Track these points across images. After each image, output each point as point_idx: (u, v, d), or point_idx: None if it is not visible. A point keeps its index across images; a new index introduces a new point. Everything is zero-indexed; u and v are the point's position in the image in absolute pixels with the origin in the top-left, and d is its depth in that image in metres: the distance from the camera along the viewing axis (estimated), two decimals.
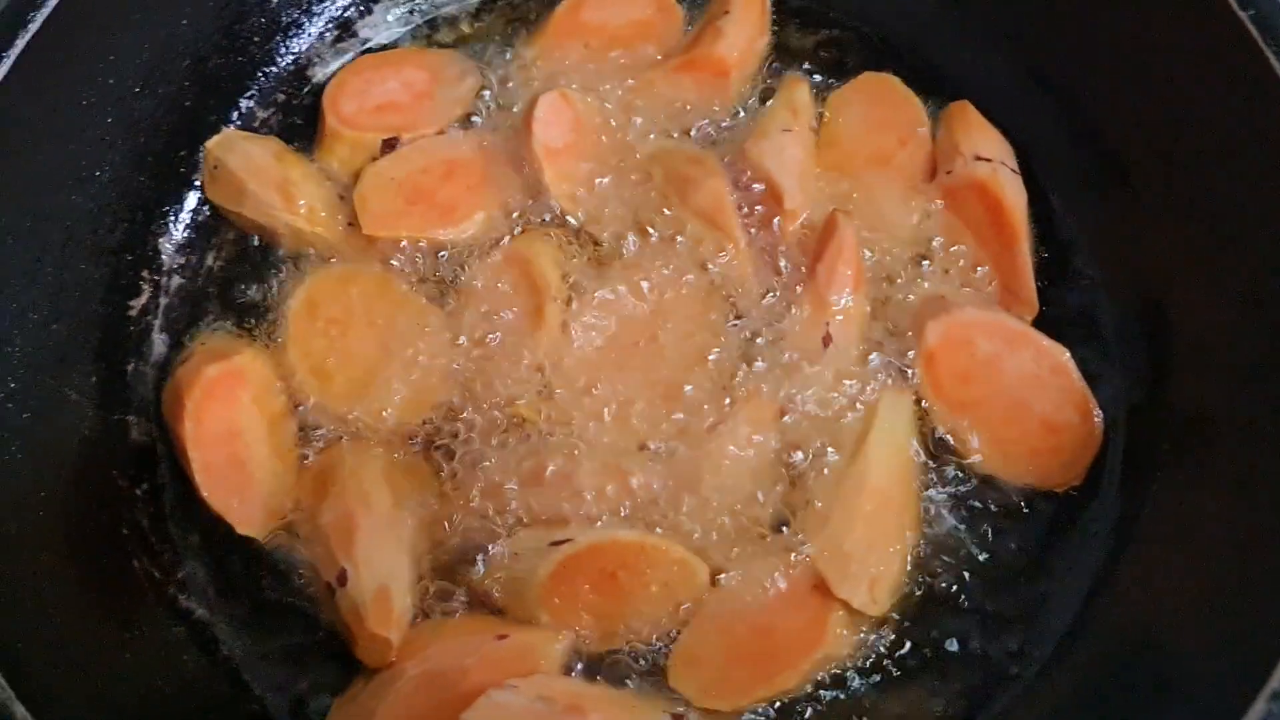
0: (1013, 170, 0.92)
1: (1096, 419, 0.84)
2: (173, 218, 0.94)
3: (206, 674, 0.80)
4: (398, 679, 0.76)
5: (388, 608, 0.78)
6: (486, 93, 0.99)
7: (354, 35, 1.03)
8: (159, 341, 0.91)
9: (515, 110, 0.98)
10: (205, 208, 0.96)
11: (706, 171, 0.92)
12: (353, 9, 1.03)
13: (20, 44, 0.77)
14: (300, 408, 0.87)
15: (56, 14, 0.78)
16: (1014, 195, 0.90)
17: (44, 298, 0.82)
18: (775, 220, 0.91)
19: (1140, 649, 0.72)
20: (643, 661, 0.79)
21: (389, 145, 0.95)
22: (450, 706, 0.74)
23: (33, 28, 0.77)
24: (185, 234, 0.95)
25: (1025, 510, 0.83)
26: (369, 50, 1.03)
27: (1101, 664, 0.75)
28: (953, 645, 0.80)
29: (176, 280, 0.93)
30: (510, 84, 1.00)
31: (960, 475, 0.84)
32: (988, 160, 0.90)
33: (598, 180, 0.94)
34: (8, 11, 0.78)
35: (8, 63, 0.77)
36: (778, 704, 0.77)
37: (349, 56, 1.02)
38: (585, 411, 0.86)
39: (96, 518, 0.81)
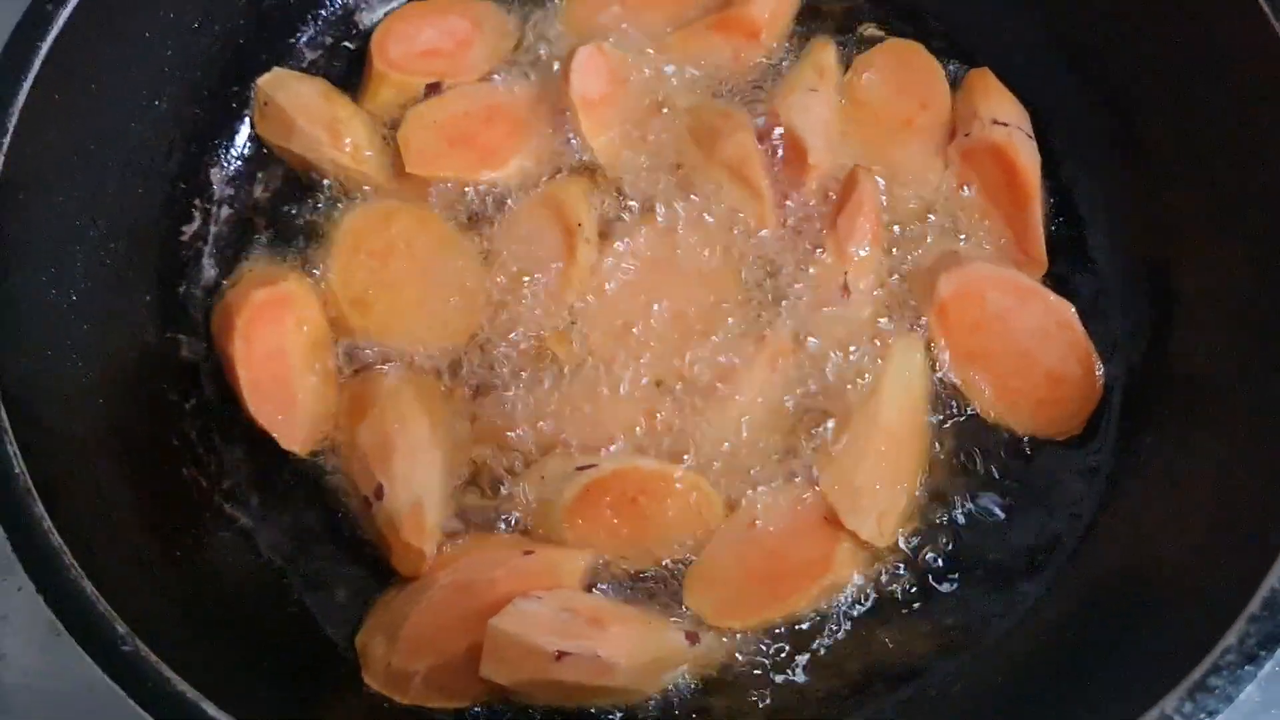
0: (1028, 135, 0.96)
1: (1098, 372, 0.88)
2: (224, 150, 0.98)
3: (251, 576, 0.85)
4: (430, 587, 0.81)
5: (422, 521, 0.83)
6: (526, 43, 1.03)
7: None
8: (208, 266, 0.95)
9: (552, 61, 1.02)
10: (255, 142, 1.00)
11: (735, 125, 0.96)
12: None
13: None
14: (341, 334, 0.92)
15: None
16: (1028, 158, 0.94)
17: (103, 217, 0.86)
18: (799, 176, 0.96)
19: (1130, 580, 0.77)
20: (660, 583, 0.84)
21: (432, 89, 0.99)
22: (478, 613, 0.79)
23: None
24: (235, 166, 0.99)
25: (1027, 455, 0.88)
26: None
27: (1092, 593, 0.80)
28: (955, 576, 0.84)
29: (226, 209, 0.97)
30: (549, 36, 1.04)
31: (967, 420, 0.89)
32: (1004, 124, 0.94)
33: (630, 130, 0.99)
34: None
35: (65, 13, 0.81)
36: (786, 627, 0.82)
37: (395, 3, 1.06)
38: (612, 346, 0.91)
39: (149, 427, 0.85)
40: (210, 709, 0.64)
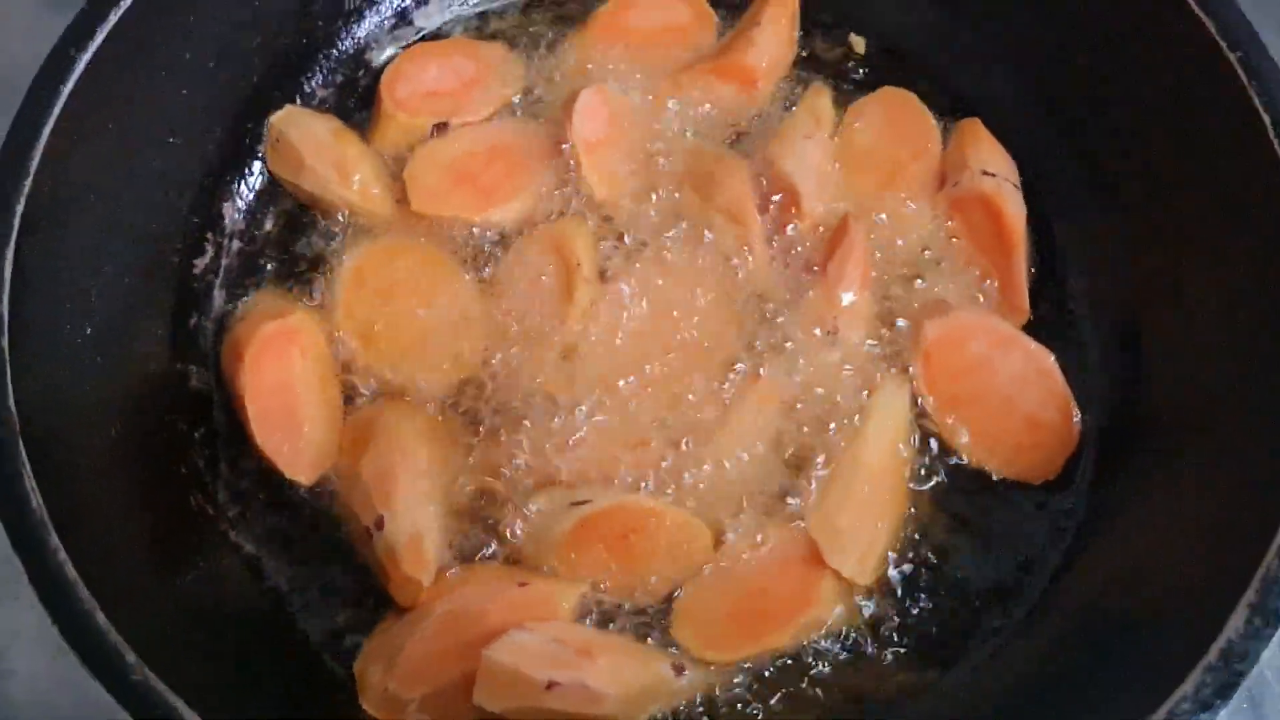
0: (1015, 186, 0.99)
1: (1075, 419, 0.91)
2: (237, 184, 1.02)
3: (254, 603, 0.88)
4: (426, 616, 0.84)
5: (420, 552, 0.86)
6: (531, 85, 1.07)
7: (410, 23, 1.11)
8: (219, 298, 0.98)
9: (555, 103, 1.05)
10: (267, 177, 1.03)
11: (730, 171, 0.99)
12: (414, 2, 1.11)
13: (112, 20, 0.85)
14: (346, 367, 0.95)
15: None
16: (1014, 209, 0.97)
17: (120, 251, 0.89)
18: (792, 221, 0.99)
19: (1095, 625, 0.80)
20: (649, 616, 0.87)
21: (439, 129, 1.03)
22: (473, 643, 0.82)
23: (124, 5, 0.85)
24: (248, 200, 1.02)
25: (1004, 498, 0.91)
26: (423, 38, 1.10)
27: (1060, 634, 0.83)
28: (931, 613, 0.87)
29: (237, 243, 1.01)
30: (552, 78, 1.07)
31: (947, 464, 0.92)
32: (993, 175, 0.98)
33: (629, 172, 1.02)
34: None
35: (100, 37, 0.84)
36: (769, 660, 0.85)
37: (404, 44, 1.09)
38: (607, 384, 0.94)
39: (158, 457, 0.88)
40: None
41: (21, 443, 0.73)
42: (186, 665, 0.72)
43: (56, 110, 0.82)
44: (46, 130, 0.81)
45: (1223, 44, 0.84)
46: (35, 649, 0.95)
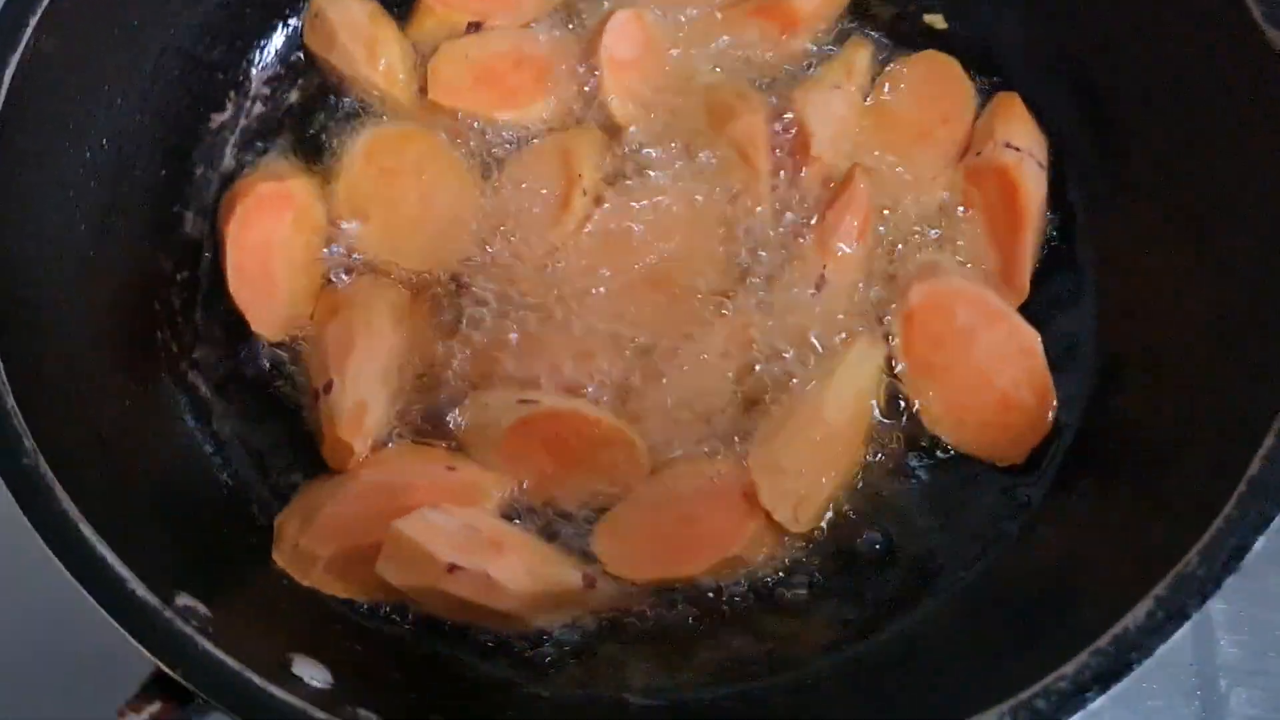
0: (1040, 165, 0.94)
1: (1051, 406, 0.87)
2: (267, 50, 1.04)
3: (195, 441, 0.89)
4: (350, 481, 0.85)
5: (359, 420, 0.86)
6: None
7: None
8: (229, 155, 1.00)
9: (593, 19, 1.04)
10: (300, 50, 1.05)
11: (749, 107, 0.97)
12: None
13: None
14: (335, 240, 0.96)
15: None
16: (1032, 187, 0.93)
17: (134, 91, 0.91)
18: (802, 167, 0.96)
19: (1016, 606, 0.76)
20: (572, 525, 0.86)
21: (473, 27, 1.03)
22: (388, 515, 0.81)
23: None
24: (275, 69, 1.04)
25: (962, 474, 0.87)
26: None
27: (979, 611, 0.79)
28: (861, 576, 0.84)
29: (258, 106, 1.03)
30: None
31: (909, 431, 0.88)
32: (1016, 149, 0.94)
33: (651, 97, 1.01)
34: None
35: None
36: (684, 589, 0.83)
37: None
38: (581, 295, 0.93)
39: (137, 288, 0.91)
40: (112, 559, 0.66)
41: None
42: (104, 490, 0.73)
43: None
44: None
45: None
46: None
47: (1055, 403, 0.87)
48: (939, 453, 0.88)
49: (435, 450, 0.88)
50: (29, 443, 0.68)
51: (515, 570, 0.81)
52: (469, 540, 0.81)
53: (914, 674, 0.77)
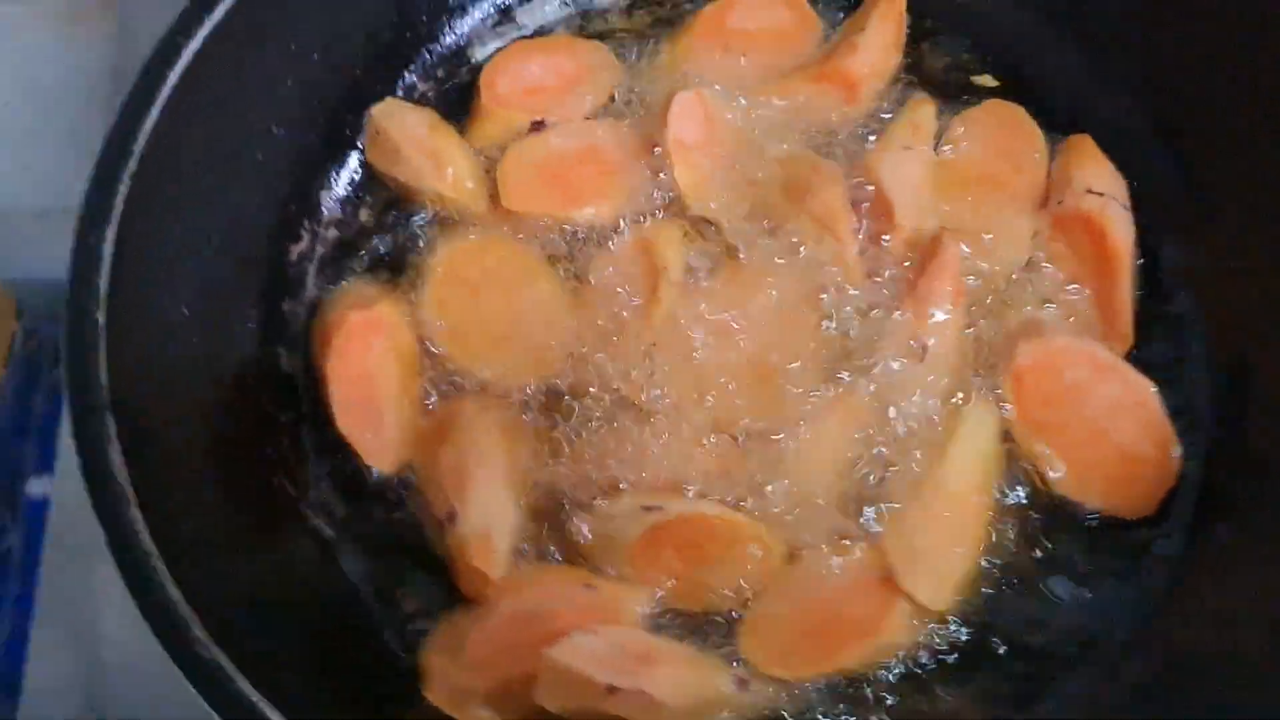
0: (1123, 206, 0.95)
1: (1175, 454, 0.87)
2: (335, 174, 1.03)
3: (326, 587, 0.89)
4: (494, 611, 0.85)
5: (489, 546, 0.86)
6: (629, 86, 1.06)
7: (512, 21, 1.11)
8: (311, 284, 1.00)
9: (653, 104, 1.04)
10: (364, 168, 1.04)
11: (826, 179, 0.97)
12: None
13: (220, 10, 0.87)
14: (430, 359, 0.96)
15: None
16: (1121, 231, 0.93)
17: (218, 236, 0.91)
18: (885, 233, 0.96)
19: (1186, 671, 0.77)
20: (716, 627, 0.86)
21: (536, 126, 1.03)
22: (537, 641, 0.81)
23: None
24: (344, 190, 1.04)
25: (1094, 533, 0.87)
26: (525, 36, 1.11)
27: (1145, 681, 0.79)
28: (1008, 649, 0.84)
29: (333, 232, 1.02)
30: (651, 79, 1.07)
31: (1035, 493, 0.89)
32: (1099, 194, 0.94)
33: (722, 177, 1.01)
34: None
35: (208, 26, 0.86)
36: (836, 681, 0.83)
37: (506, 40, 1.10)
38: (687, 390, 0.93)
39: (244, 437, 0.90)
40: (273, 714, 0.68)
41: (111, 415, 0.75)
42: (254, 642, 0.73)
43: (162, 98, 0.83)
44: (151, 119, 0.83)
45: None
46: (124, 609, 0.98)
47: (1178, 450, 0.87)
48: (1065, 512, 0.88)
49: (569, 570, 0.88)
50: (198, 631, 0.69)
51: (670, 683, 0.81)
52: (622, 659, 0.81)
53: None
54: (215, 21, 0.87)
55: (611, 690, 0.79)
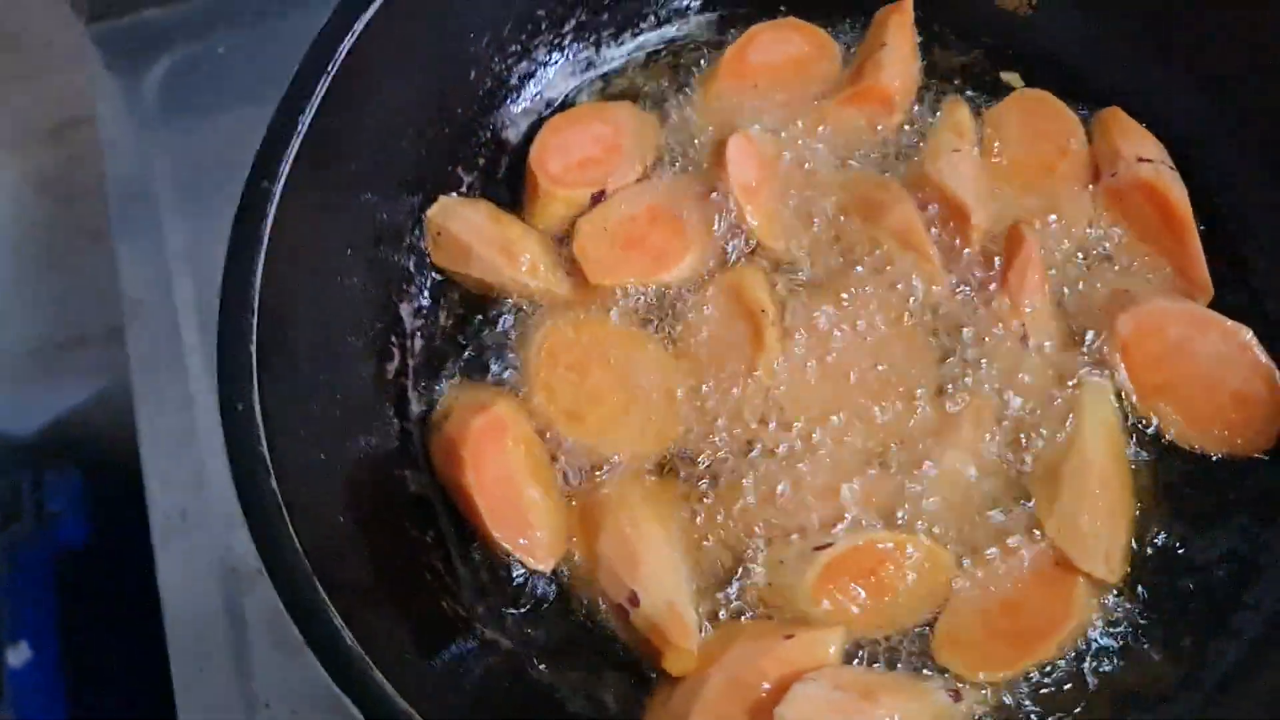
0: (1170, 167, 1.01)
1: None
2: (409, 285, 1.02)
3: (523, 696, 0.88)
4: (704, 684, 0.85)
5: (681, 620, 0.87)
6: (671, 140, 1.07)
7: (539, 97, 1.11)
8: (414, 399, 0.99)
9: (700, 153, 1.06)
10: (433, 271, 1.03)
11: (894, 196, 1.00)
12: (534, 69, 1.11)
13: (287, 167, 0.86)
14: (555, 448, 0.95)
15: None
16: (1177, 191, 0.99)
17: (327, 371, 0.90)
18: (958, 236, 1.00)
19: None
20: (909, 646, 0.89)
21: (598, 198, 1.03)
22: (757, 704, 0.83)
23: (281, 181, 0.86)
24: (421, 299, 1.02)
25: (1225, 477, 0.93)
26: (551, 110, 1.11)
27: None
28: (1182, 601, 0.89)
29: (419, 341, 1.01)
30: (689, 129, 1.08)
31: (1162, 450, 0.94)
32: (1149, 161, 0.99)
33: (789, 211, 1.03)
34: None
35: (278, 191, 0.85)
36: (1042, 673, 0.87)
37: (534, 117, 1.10)
38: (816, 424, 0.95)
39: (403, 567, 0.89)
40: None
41: (318, 582, 0.74)
42: None
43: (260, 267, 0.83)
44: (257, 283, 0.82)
45: None
46: None
47: None
48: (1195, 463, 0.93)
49: (760, 623, 0.89)
50: None
51: (896, 712, 0.83)
52: (847, 700, 0.83)
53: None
54: (285, 180, 0.85)
55: None
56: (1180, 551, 0.91)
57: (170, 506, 1.09)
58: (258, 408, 0.78)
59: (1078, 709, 0.86)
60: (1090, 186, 1.03)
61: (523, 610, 0.92)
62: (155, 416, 1.12)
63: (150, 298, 1.18)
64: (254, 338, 0.80)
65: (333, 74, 0.88)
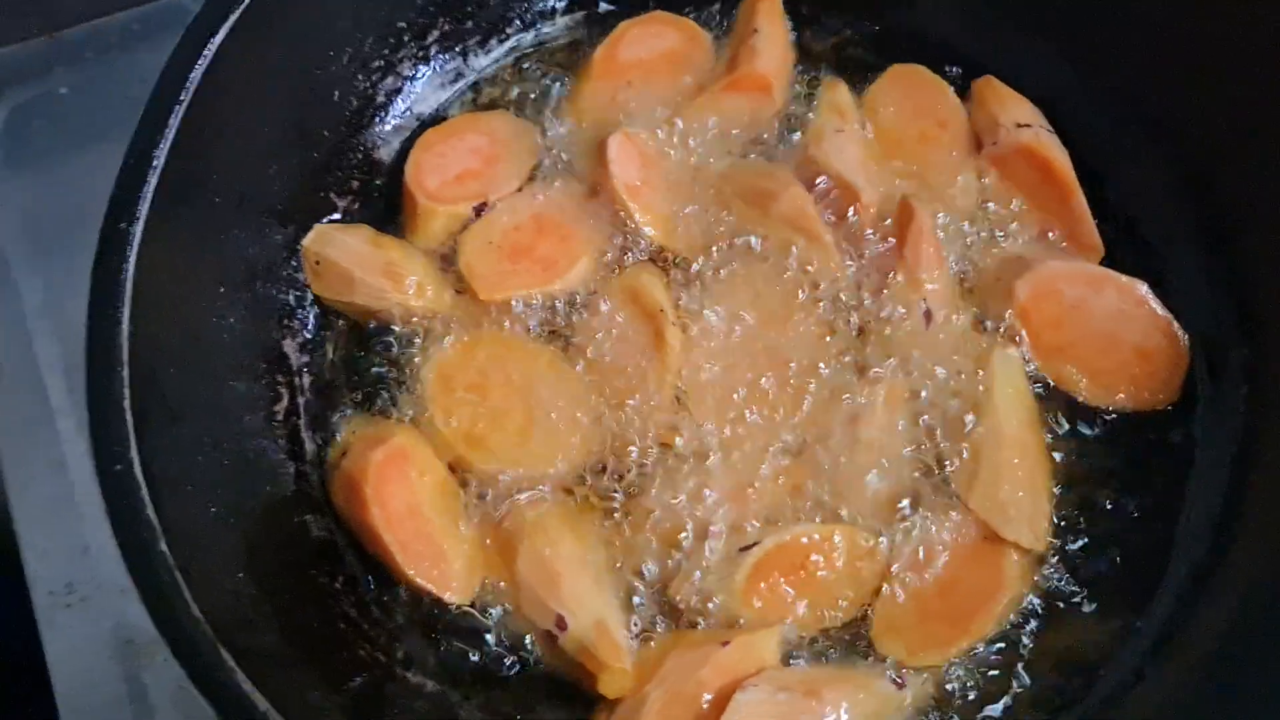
0: (1050, 131, 1.01)
1: (1182, 339, 0.94)
2: (290, 319, 0.96)
3: None
4: (644, 703, 0.81)
5: (612, 640, 0.83)
6: (548, 145, 1.04)
7: (408, 111, 1.06)
8: (307, 439, 0.94)
9: (580, 157, 1.03)
10: (314, 304, 0.98)
11: (782, 182, 0.99)
12: (401, 84, 1.06)
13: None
14: (462, 474, 0.91)
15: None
16: (1059, 152, 0.99)
17: (210, 419, 0.85)
18: (849, 216, 0.99)
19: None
20: (847, 637, 0.87)
21: (479, 210, 0.99)
22: (701, 717, 0.80)
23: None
24: (304, 333, 0.97)
25: (1136, 433, 0.93)
26: (423, 124, 1.06)
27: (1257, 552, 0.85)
28: (1107, 562, 0.89)
29: (307, 378, 0.96)
30: (566, 132, 1.05)
31: (1069, 411, 0.94)
32: (1028, 126, 1.00)
33: (677, 206, 1.01)
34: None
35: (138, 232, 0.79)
36: (981, 649, 0.86)
37: (406, 134, 1.06)
38: (725, 423, 0.93)
39: (314, 618, 0.84)
40: None
41: (231, 657, 0.69)
42: None
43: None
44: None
45: None
46: None
47: (1184, 335, 0.94)
48: (1104, 422, 0.94)
49: (691, 634, 0.86)
50: None
51: (842, 707, 0.81)
52: (790, 702, 0.81)
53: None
54: (144, 221, 0.79)
55: None
56: (1104, 511, 0.91)
57: (53, 580, 1.02)
58: (138, 468, 0.72)
59: (1020, 682, 0.85)
60: (973, 156, 1.03)
61: (445, 649, 0.87)
62: (26, 486, 1.04)
63: (9, 360, 1.09)
64: (126, 392, 0.74)
65: (186, 104, 0.83)
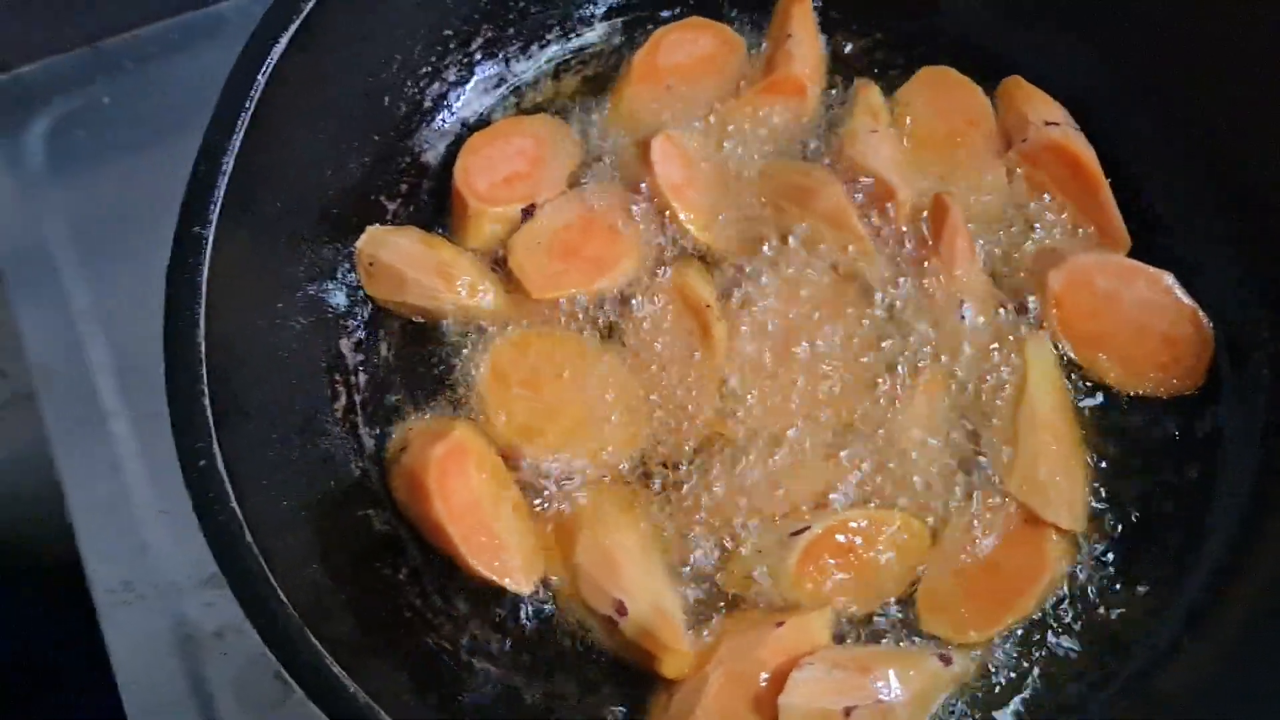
0: (1076, 129, 1.05)
1: (1207, 326, 0.97)
2: (345, 320, 0.99)
3: None
4: (704, 683, 0.85)
5: (671, 623, 0.86)
6: (591, 147, 1.07)
7: (451, 115, 1.09)
8: (366, 436, 0.96)
9: (623, 159, 1.06)
10: (367, 303, 1.01)
11: (820, 180, 1.02)
12: (446, 89, 1.09)
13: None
14: (517, 468, 0.94)
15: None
16: (1086, 149, 1.03)
17: (277, 417, 0.88)
18: (885, 214, 1.02)
19: None
20: (898, 618, 0.90)
21: (528, 212, 1.02)
22: (759, 695, 0.83)
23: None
24: (359, 333, 1.00)
25: (1165, 416, 0.97)
26: (467, 129, 1.09)
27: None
28: (1141, 542, 0.93)
29: (363, 376, 0.99)
30: (608, 135, 1.08)
31: (1106, 397, 0.97)
32: (1056, 124, 1.03)
33: (719, 205, 1.04)
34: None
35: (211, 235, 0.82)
36: (1023, 628, 0.89)
37: (451, 138, 1.08)
38: (771, 412, 0.96)
39: (383, 609, 0.87)
40: None
41: (328, 656, 0.71)
42: None
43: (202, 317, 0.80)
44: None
45: None
46: None
47: (1209, 323, 0.97)
48: (1134, 406, 0.97)
49: (747, 615, 0.89)
50: None
51: (894, 684, 0.84)
52: (845, 680, 0.84)
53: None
54: (214, 238, 0.82)
55: (849, 712, 0.82)
56: (1136, 493, 0.94)
57: (111, 578, 1.04)
58: (220, 463, 0.75)
59: (1063, 658, 0.89)
60: (1002, 154, 1.06)
61: (509, 636, 0.90)
62: (82, 488, 1.07)
63: (61, 364, 1.12)
64: (205, 390, 0.77)
65: (251, 110, 0.86)
